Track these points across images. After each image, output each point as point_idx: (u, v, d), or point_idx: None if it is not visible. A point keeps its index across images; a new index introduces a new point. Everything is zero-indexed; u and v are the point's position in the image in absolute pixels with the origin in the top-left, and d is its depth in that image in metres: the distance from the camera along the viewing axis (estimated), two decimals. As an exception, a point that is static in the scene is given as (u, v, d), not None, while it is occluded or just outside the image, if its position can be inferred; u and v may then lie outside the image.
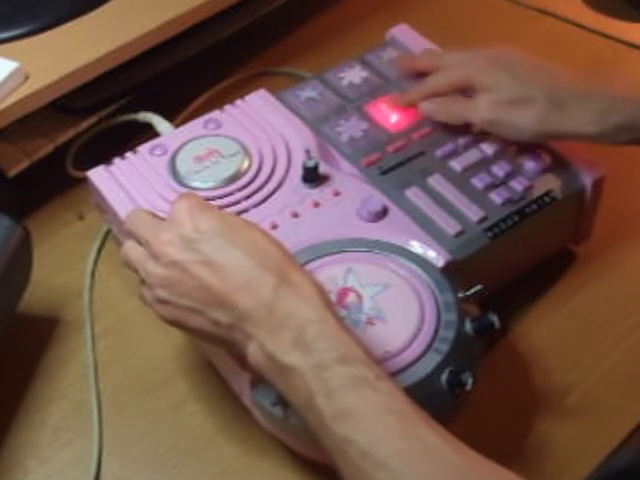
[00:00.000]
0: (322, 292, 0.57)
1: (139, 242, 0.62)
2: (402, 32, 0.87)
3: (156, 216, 0.63)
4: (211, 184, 0.73)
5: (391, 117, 0.78)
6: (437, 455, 0.50)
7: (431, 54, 0.81)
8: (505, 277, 0.74)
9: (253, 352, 0.56)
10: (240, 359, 0.59)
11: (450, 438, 0.51)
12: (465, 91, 0.75)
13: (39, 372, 0.72)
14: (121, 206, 0.72)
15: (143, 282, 0.61)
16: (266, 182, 0.73)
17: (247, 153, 0.75)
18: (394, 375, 0.60)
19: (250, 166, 0.74)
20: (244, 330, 0.56)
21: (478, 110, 0.73)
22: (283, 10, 0.99)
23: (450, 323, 0.63)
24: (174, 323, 0.60)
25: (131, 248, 0.62)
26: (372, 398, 0.52)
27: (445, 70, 0.77)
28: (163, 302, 0.59)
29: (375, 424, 0.51)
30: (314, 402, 0.52)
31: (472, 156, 0.75)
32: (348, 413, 0.51)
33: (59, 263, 0.79)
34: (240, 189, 0.72)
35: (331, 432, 0.52)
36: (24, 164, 0.83)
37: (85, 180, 0.76)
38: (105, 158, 0.76)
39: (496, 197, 0.72)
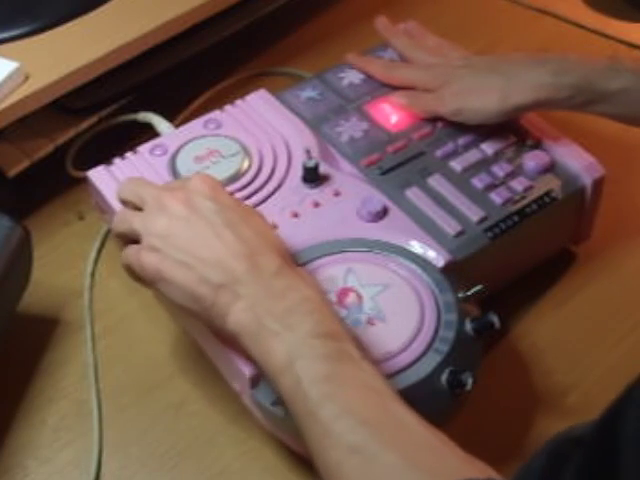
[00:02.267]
0: (316, 279, 0.60)
1: (137, 204, 0.63)
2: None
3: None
4: (211, 184, 0.72)
5: (391, 117, 0.78)
6: (408, 430, 0.51)
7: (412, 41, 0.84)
8: (505, 277, 0.74)
9: (238, 312, 0.56)
10: (208, 321, 0.59)
11: (425, 421, 0.52)
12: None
13: (39, 372, 0.72)
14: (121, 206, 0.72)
15: (128, 242, 0.62)
16: (266, 182, 0.73)
17: (247, 153, 0.75)
18: (394, 375, 0.60)
19: (250, 166, 0.74)
20: (235, 291, 0.57)
21: (443, 102, 0.76)
22: (283, 10, 0.99)
23: (450, 323, 0.63)
24: (155, 275, 0.59)
25: (124, 210, 0.64)
26: (354, 372, 0.53)
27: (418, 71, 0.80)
28: (153, 250, 0.59)
29: (353, 393, 0.52)
30: (294, 365, 0.53)
31: (472, 156, 0.75)
32: (327, 379, 0.53)
33: (59, 263, 0.79)
34: (240, 189, 0.72)
35: (305, 395, 0.52)
36: (24, 164, 0.83)
37: (85, 180, 0.77)
38: (105, 158, 0.76)
39: (496, 197, 0.72)
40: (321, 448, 0.51)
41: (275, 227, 0.69)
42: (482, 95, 0.74)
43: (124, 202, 0.65)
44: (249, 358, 0.60)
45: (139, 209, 0.63)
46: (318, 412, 0.51)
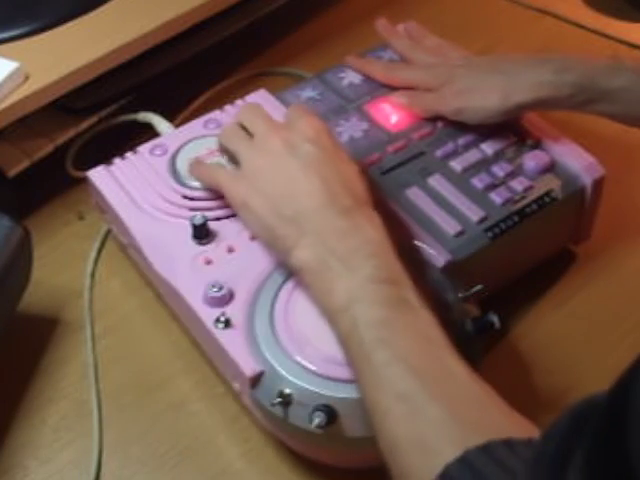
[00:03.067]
0: (389, 230, 0.60)
1: (249, 131, 0.68)
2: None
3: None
4: (211, 184, 0.72)
5: (391, 117, 0.78)
6: (457, 380, 0.52)
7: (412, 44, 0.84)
8: (505, 277, 0.74)
9: (304, 247, 0.59)
10: (277, 253, 0.63)
11: (475, 374, 0.53)
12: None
13: (39, 372, 0.72)
14: (121, 206, 0.72)
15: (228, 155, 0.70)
16: (266, 182, 0.73)
17: (247, 153, 0.75)
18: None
19: (250, 166, 0.74)
20: (301, 226, 0.59)
21: (444, 101, 0.76)
22: (283, 10, 0.99)
23: (450, 323, 0.62)
24: (240, 204, 0.64)
25: (235, 128, 0.69)
26: (411, 319, 0.55)
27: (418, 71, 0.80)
28: (245, 181, 0.64)
29: (407, 341, 0.53)
30: (352, 308, 0.55)
31: (472, 156, 0.75)
32: (384, 324, 0.54)
33: (59, 263, 0.79)
34: (240, 189, 0.72)
35: (361, 337, 0.53)
36: (24, 164, 0.83)
37: (85, 180, 0.77)
38: (105, 158, 0.76)
39: (496, 197, 0.72)
40: (371, 392, 0.53)
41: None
42: (483, 94, 0.74)
43: (238, 122, 0.70)
44: (248, 357, 0.60)
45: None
46: (371, 356, 0.53)
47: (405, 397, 0.51)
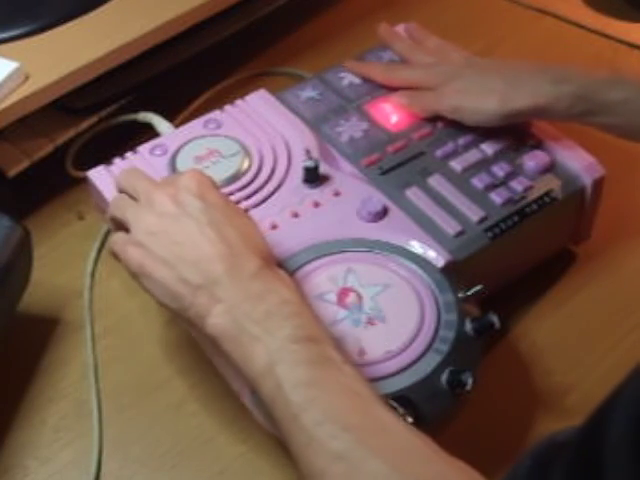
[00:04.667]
0: (298, 285, 0.59)
1: (131, 195, 0.63)
2: (402, 32, 0.87)
3: None
4: (211, 184, 0.73)
5: (391, 117, 0.78)
6: (392, 434, 0.51)
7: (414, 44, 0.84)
8: (505, 277, 0.74)
9: (217, 314, 0.56)
10: (189, 322, 0.59)
11: (408, 424, 0.52)
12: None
13: (39, 372, 0.72)
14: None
15: (119, 228, 0.62)
16: (266, 182, 0.73)
17: (247, 153, 0.75)
18: (394, 375, 0.60)
19: (250, 166, 0.74)
20: (213, 293, 0.56)
21: (442, 99, 0.76)
22: (283, 10, 0.99)
23: (450, 323, 0.63)
24: (138, 270, 0.60)
25: (121, 196, 0.64)
26: (336, 376, 0.53)
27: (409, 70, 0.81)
28: (138, 246, 0.60)
29: (336, 398, 0.52)
30: (274, 370, 0.53)
31: (472, 156, 0.75)
32: (308, 383, 0.52)
33: (59, 263, 0.79)
34: (240, 189, 0.72)
35: (287, 400, 0.52)
36: (24, 164, 0.83)
37: (85, 180, 0.77)
38: (105, 158, 0.76)
39: (496, 197, 0.72)
40: (305, 455, 0.51)
41: (275, 227, 0.69)
42: (482, 96, 0.74)
43: (121, 191, 0.66)
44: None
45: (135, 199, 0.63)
46: (300, 418, 0.51)
47: (341, 456, 0.49)
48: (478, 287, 0.65)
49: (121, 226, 0.63)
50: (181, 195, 0.60)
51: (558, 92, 0.71)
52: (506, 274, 0.74)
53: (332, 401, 0.51)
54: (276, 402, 0.53)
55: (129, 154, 0.76)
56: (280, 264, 0.63)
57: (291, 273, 0.65)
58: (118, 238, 0.62)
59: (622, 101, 0.70)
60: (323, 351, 0.54)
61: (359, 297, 0.64)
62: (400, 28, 0.86)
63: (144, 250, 0.59)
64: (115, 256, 0.63)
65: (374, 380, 0.59)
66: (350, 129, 0.78)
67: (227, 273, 0.57)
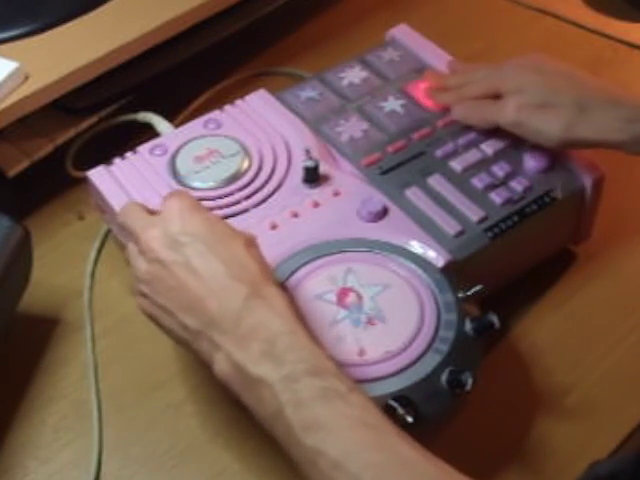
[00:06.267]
0: (292, 305, 0.58)
1: (131, 236, 0.63)
2: (402, 32, 0.87)
3: (149, 210, 0.64)
4: (211, 184, 0.73)
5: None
6: (411, 467, 0.50)
7: (460, 72, 0.80)
8: (505, 277, 0.74)
9: (219, 362, 0.56)
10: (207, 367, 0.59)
11: (423, 450, 0.51)
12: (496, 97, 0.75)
13: (39, 372, 0.72)
14: (121, 206, 0.72)
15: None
16: (266, 182, 0.73)
17: (247, 153, 0.75)
18: (394, 375, 0.60)
19: (250, 166, 0.74)
20: (211, 339, 0.56)
21: (505, 111, 0.73)
22: (283, 10, 0.99)
23: (450, 323, 0.63)
24: (151, 319, 0.61)
25: (130, 243, 0.63)
26: (344, 410, 0.52)
27: (476, 82, 0.76)
28: (142, 295, 0.61)
29: (347, 436, 0.51)
30: (283, 414, 0.52)
31: (472, 156, 0.75)
32: (319, 425, 0.51)
33: (59, 263, 0.79)
34: (240, 189, 0.72)
35: (301, 444, 0.51)
36: (24, 164, 0.83)
37: (85, 180, 0.76)
38: (105, 158, 0.76)
39: (496, 197, 0.72)
40: None
41: (275, 227, 0.69)
42: (548, 116, 0.71)
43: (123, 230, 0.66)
44: None
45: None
46: (317, 463, 0.50)
47: None
48: (478, 287, 0.65)
49: None
50: (165, 237, 0.59)
51: (631, 132, 0.69)
52: (506, 274, 0.74)
53: (345, 440, 0.51)
54: (291, 445, 0.52)
55: (129, 154, 0.76)
56: (278, 267, 0.63)
57: (291, 273, 0.65)
58: (134, 288, 0.62)
59: None
60: (326, 383, 0.53)
61: (359, 297, 0.64)
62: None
63: (147, 299, 0.60)
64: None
65: (374, 380, 0.59)
66: (350, 129, 0.78)
67: (217, 311, 0.56)
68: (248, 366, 0.54)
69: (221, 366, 0.56)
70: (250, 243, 0.60)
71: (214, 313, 0.56)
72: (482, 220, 0.70)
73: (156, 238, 0.59)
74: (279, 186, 0.73)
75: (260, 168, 0.74)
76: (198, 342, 0.57)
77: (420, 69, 0.83)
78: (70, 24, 0.83)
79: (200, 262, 0.58)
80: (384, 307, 0.63)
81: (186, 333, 0.58)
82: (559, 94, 0.71)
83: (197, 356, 0.59)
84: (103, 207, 0.75)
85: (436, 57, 0.84)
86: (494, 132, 0.76)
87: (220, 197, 0.72)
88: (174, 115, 0.88)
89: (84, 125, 0.86)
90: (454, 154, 0.75)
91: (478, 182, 0.73)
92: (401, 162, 0.75)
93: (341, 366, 0.55)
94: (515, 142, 0.76)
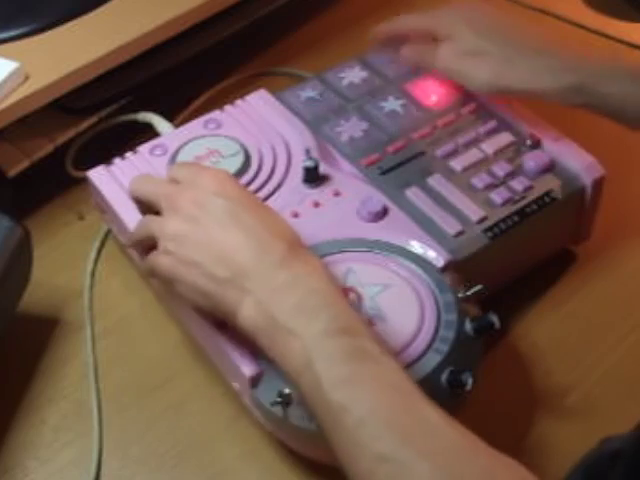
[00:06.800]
0: (327, 268, 0.58)
1: (152, 203, 0.63)
2: (402, 32, 0.87)
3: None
4: (211, 184, 0.72)
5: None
6: (434, 430, 0.50)
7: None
8: (505, 277, 0.74)
9: (248, 309, 0.56)
10: (226, 320, 0.59)
11: (448, 417, 0.51)
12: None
13: (39, 372, 0.72)
14: (121, 206, 0.72)
15: (146, 250, 0.63)
16: (266, 182, 0.73)
17: (247, 153, 0.75)
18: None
19: (250, 166, 0.74)
20: (242, 286, 0.56)
21: (438, 58, 0.76)
22: (283, 10, 0.99)
23: (450, 323, 0.63)
24: (170, 276, 0.61)
25: (143, 219, 0.64)
26: (374, 371, 0.52)
27: (413, 15, 0.81)
28: (167, 254, 0.60)
29: (375, 395, 0.51)
30: (312, 367, 0.52)
31: (472, 156, 0.75)
32: (348, 381, 0.51)
33: (59, 263, 0.79)
34: (240, 189, 0.72)
35: (327, 399, 0.51)
36: (24, 164, 0.83)
37: (85, 180, 0.77)
38: (105, 158, 0.76)
39: (496, 197, 0.72)
40: (349, 455, 0.50)
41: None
42: (477, 64, 0.74)
43: (138, 200, 0.66)
44: (248, 357, 0.60)
45: (152, 208, 0.64)
46: (342, 418, 0.50)
47: (387, 457, 0.48)
48: (478, 287, 0.65)
49: (148, 247, 0.63)
50: (201, 196, 0.60)
51: (556, 83, 0.71)
52: (506, 274, 0.74)
53: (372, 398, 0.51)
54: (316, 400, 0.52)
55: (129, 154, 0.76)
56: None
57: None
58: (149, 256, 0.63)
59: (619, 93, 0.70)
60: (359, 343, 0.53)
61: (359, 297, 0.64)
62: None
63: (172, 256, 0.60)
64: (148, 275, 0.64)
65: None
66: (350, 129, 0.78)
67: (253, 262, 0.57)
68: (280, 317, 0.54)
69: (250, 312, 0.56)
70: (281, 215, 0.62)
71: (248, 264, 0.57)
72: (482, 220, 0.70)
73: (192, 197, 0.60)
74: (279, 186, 0.73)
75: (260, 168, 0.74)
76: (224, 291, 0.57)
77: (420, 69, 0.83)
78: (70, 24, 0.83)
79: (237, 220, 0.59)
80: (384, 307, 0.63)
81: (212, 283, 0.58)
82: (487, 42, 0.74)
83: (217, 311, 0.59)
84: (103, 207, 0.76)
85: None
86: (494, 132, 0.76)
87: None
88: (174, 115, 0.88)
89: (84, 125, 0.87)
90: (454, 154, 0.75)
91: (478, 182, 0.73)
92: (401, 162, 0.75)
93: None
94: (515, 142, 0.76)
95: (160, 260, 0.61)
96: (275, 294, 0.55)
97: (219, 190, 0.60)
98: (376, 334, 0.55)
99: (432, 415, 0.51)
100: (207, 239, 0.59)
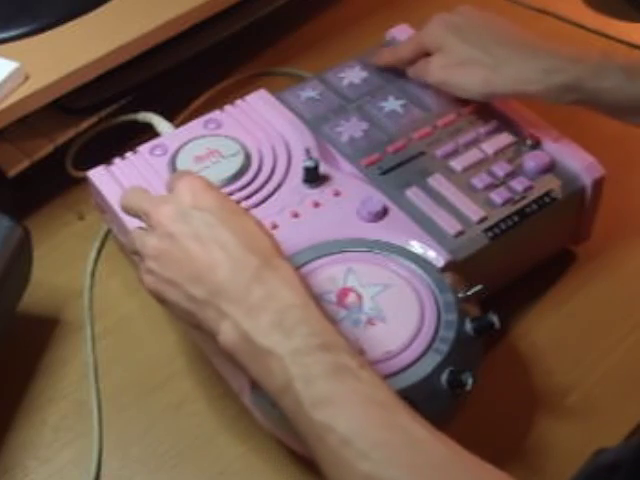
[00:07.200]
0: (304, 280, 0.58)
1: (138, 216, 0.62)
2: (402, 32, 0.87)
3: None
4: (211, 184, 0.73)
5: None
6: (420, 446, 0.50)
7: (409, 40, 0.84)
8: (505, 277, 0.74)
9: (226, 331, 0.55)
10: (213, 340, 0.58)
11: (433, 430, 0.50)
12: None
13: (39, 372, 0.72)
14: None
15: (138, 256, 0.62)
16: (266, 182, 0.73)
17: (247, 153, 0.75)
18: (394, 375, 0.60)
19: (250, 166, 0.74)
20: (218, 307, 0.56)
21: (430, 72, 0.77)
22: (283, 10, 0.99)
23: (450, 323, 0.62)
24: (155, 295, 0.60)
25: (134, 230, 0.63)
26: (354, 386, 0.52)
27: (401, 43, 0.83)
28: (150, 272, 0.60)
29: (357, 412, 0.51)
30: (292, 387, 0.52)
31: (472, 156, 0.75)
32: (329, 400, 0.51)
33: (59, 263, 0.79)
34: (240, 189, 0.72)
35: (309, 419, 0.51)
36: (24, 164, 0.83)
37: (85, 180, 0.77)
38: (105, 158, 0.76)
39: (496, 197, 0.72)
40: (333, 472, 0.50)
41: (275, 227, 0.69)
42: (467, 73, 0.75)
43: (126, 213, 0.66)
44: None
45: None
46: (325, 439, 0.50)
47: (373, 475, 0.48)
48: (478, 287, 0.65)
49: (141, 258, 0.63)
50: (176, 211, 0.59)
51: (548, 82, 0.71)
52: (506, 274, 0.74)
53: (356, 417, 0.50)
54: (299, 420, 0.52)
55: (129, 154, 0.76)
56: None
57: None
58: (140, 270, 0.62)
59: (611, 88, 0.70)
60: (338, 359, 0.52)
61: (359, 297, 0.64)
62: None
63: (154, 275, 0.60)
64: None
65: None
66: (350, 129, 0.78)
67: (227, 279, 0.56)
68: (257, 336, 0.54)
69: (228, 335, 0.55)
70: (259, 222, 0.61)
71: (223, 282, 0.56)
72: (482, 220, 0.70)
73: (167, 213, 0.59)
74: (279, 186, 0.73)
75: (260, 168, 0.74)
76: (204, 312, 0.56)
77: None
78: (70, 24, 0.83)
79: (210, 233, 0.58)
80: (384, 307, 0.63)
81: (192, 304, 0.57)
82: (477, 50, 0.74)
83: (200, 329, 0.58)
84: (103, 207, 0.76)
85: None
86: (494, 132, 0.76)
87: (220, 197, 0.72)
88: (174, 115, 0.88)
89: (84, 125, 0.87)
90: (454, 154, 0.75)
91: (478, 182, 0.73)
92: (401, 162, 0.75)
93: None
94: (515, 142, 0.76)
95: (145, 278, 0.61)
96: (251, 312, 0.55)
97: (194, 202, 0.59)
98: (353, 346, 0.55)
99: (418, 430, 0.50)
100: (184, 257, 0.58)
